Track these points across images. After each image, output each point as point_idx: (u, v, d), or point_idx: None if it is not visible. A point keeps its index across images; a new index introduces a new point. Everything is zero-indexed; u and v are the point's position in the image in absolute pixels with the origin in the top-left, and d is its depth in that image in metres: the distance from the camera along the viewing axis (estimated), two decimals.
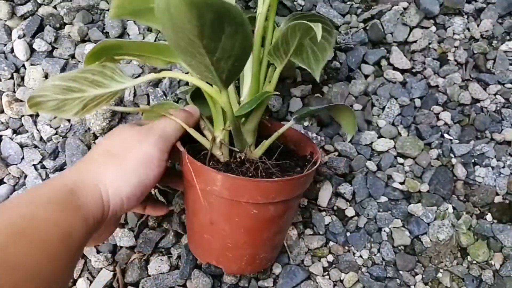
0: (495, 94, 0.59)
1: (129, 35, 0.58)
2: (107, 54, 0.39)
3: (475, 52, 0.61)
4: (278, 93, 0.40)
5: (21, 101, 0.54)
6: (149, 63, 0.42)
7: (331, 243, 0.53)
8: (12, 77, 0.55)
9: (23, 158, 0.52)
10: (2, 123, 0.54)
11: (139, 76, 0.55)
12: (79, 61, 0.56)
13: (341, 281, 0.51)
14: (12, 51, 0.55)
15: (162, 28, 0.29)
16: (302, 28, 0.33)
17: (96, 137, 0.54)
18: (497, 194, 0.55)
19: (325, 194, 0.53)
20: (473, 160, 0.57)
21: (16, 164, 0.52)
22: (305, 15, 0.44)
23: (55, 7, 0.58)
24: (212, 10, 0.26)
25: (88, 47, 0.55)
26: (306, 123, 0.56)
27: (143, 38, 0.58)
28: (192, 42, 0.29)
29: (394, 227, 0.54)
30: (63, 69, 0.55)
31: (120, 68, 0.39)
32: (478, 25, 0.63)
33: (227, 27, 0.28)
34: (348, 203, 0.54)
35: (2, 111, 0.54)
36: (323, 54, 0.49)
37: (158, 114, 0.44)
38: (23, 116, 0.54)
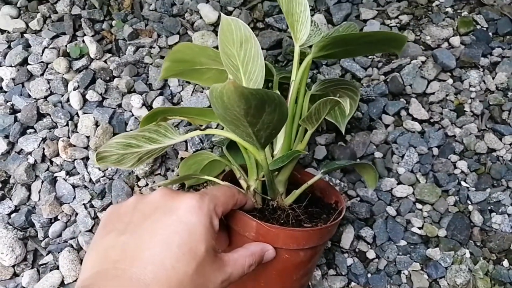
0: (510, 144, 0.66)
1: (169, 86, 0.68)
2: (160, 116, 0.49)
3: (490, 103, 0.68)
4: (307, 152, 0.47)
5: (74, 146, 0.63)
6: (193, 122, 0.51)
7: (353, 284, 0.59)
8: (67, 124, 0.64)
9: (74, 197, 0.61)
10: (57, 165, 0.63)
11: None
12: (125, 110, 0.66)
13: None
14: (68, 101, 0.66)
15: (212, 105, 0.37)
16: (332, 102, 0.42)
17: (138, 179, 0.63)
18: None
19: (347, 237, 0.60)
20: (489, 207, 0.63)
21: (69, 203, 0.61)
22: (333, 80, 0.52)
23: (105, 61, 0.69)
24: (257, 98, 0.34)
25: (134, 98, 0.65)
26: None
27: (182, 89, 0.68)
28: (238, 118, 0.37)
29: (413, 270, 0.60)
30: (111, 117, 0.65)
31: (171, 126, 0.47)
32: (493, 78, 0.70)
33: (267, 107, 0.36)
34: (369, 246, 0.61)
35: (58, 155, 0.63)
36: (349, 111, 0.57)
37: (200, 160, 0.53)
38: (75, 159, 0.63)
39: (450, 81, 0.70)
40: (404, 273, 0.60)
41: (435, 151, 0.65)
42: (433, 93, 0.68)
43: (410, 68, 0.69)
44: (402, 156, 0.65)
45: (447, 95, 0.69)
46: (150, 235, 0.34)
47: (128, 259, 0.32)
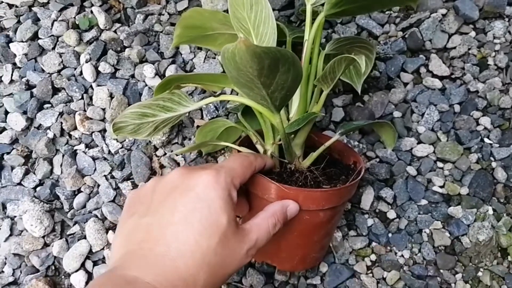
0: None
1: (181, 54, 0.68)
2: (173, 84, 0.49)
3: None
4: (324, 114, 0.47)
5: (91, 119, 0.65)
6: (207, 89, 0.51)
7: (373, 244, 0.60)
8: (82, 98, 0.65)
9: (95, 169, 0.63)
10: (76, 138, 0.65)
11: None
12: (138, 80, 0.67)
13: (384, 279, 0.59)
14: (81, 73, 0.66)
15: (225, 68, 0.37)
16: (347, 60, 0.41)
17: (156, 149, 0.64)
18: None
19: (367, 198, 0.61)
20: None
21: (90, 175, 0.63)
22: (348, 38, 0.51)
23: (115, 31, 0.69)
24: (270, 57, 0.34)
25: (146, 67, 0.65)
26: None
27: (194, 56, 0.67)
28: (252, 79, 0.37)
29: (434, 229, 0.60)
30: (125, 89, 0.65)
31: (185, 94, 0.48)
32: None
33: (281, 67, 0.36)
34: (389, 206, 0.61)
35: (76, 128, 0.65)
36: (364, 69, 0.56)
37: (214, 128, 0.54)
38: (93, 132, 0.64)
39: (473, 33, 0.67)
40: (425, 232, 0.60)
41: (457, 108, 0.64)
42: (454, 48, 0.66)
43: (429, 22, 0.67)
44: (422, 115, 0.64)
45: (469, 49, 0.66)
46: (171, 214, 0.35)
47: (153, 239, 0.34)
